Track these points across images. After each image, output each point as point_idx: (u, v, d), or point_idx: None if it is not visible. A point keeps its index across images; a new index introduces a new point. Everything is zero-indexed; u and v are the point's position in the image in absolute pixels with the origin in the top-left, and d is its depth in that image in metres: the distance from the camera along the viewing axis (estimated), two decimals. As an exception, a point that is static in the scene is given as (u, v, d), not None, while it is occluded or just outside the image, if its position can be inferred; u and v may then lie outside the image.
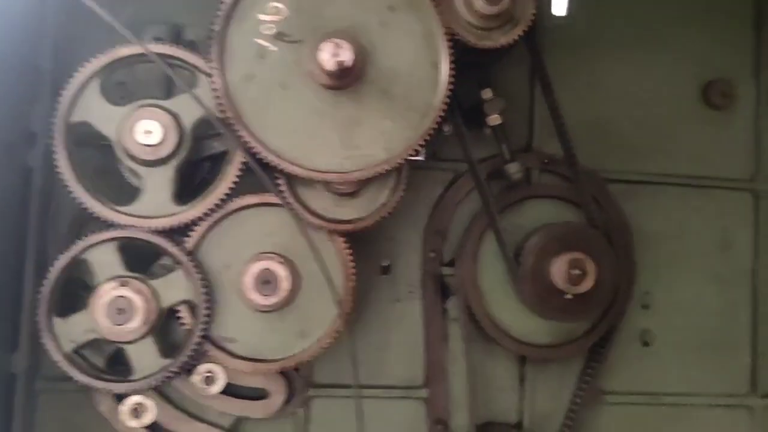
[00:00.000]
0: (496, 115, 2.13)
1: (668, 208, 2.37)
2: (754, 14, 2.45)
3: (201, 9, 2.02)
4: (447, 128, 2.15)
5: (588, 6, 2.35)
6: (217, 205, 1.88)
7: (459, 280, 2.20)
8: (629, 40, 2.37)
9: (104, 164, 1.96)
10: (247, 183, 1.91)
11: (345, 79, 1.79)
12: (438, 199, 2.27)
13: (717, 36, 2.42)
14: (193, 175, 2.04)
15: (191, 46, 2.08)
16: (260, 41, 1.81)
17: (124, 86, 2.10)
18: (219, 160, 1.97)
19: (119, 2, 2.12)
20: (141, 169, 1.85)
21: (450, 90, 1.86)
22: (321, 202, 1.94)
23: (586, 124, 2.32)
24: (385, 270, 2.26)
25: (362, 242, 2.10)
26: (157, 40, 2.02)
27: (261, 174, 1.75)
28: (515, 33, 1.94)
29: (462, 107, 2.18)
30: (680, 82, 2.40)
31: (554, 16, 2.33)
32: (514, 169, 2.16)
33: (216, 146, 1.98)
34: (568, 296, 2.00)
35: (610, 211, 2.27)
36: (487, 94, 2.13)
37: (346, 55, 1.75)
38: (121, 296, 1.81)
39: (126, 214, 1.85)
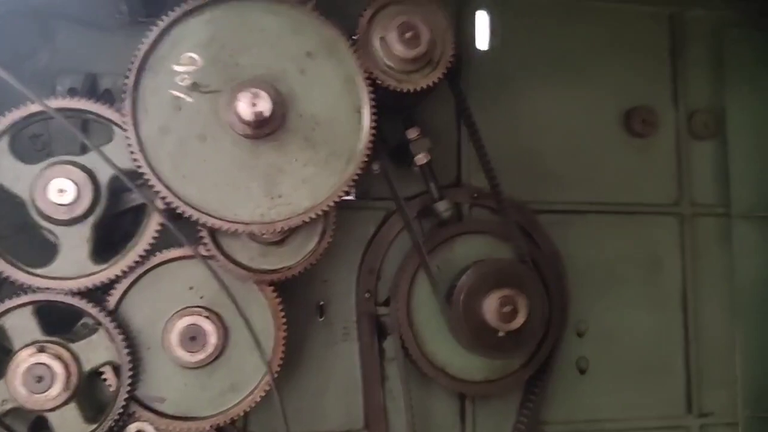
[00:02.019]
0: (423, 155, 2.13)
1: (597, 235, 2.41)
2: (670, 43, 2.51)
3: (117, 56, 1.98)
4: (376, 167, 2.15)
5: (510, 40, 2.38)
6: (137, 262, 1.83)
7: (394, 320, 2.18)
8: (551, 71, 2.40)
9: (23, 221, 1.88)
10: (170, 235, 1.86)
11: (264, 128, 1.77)
12: (370, 239, 2.25)
13: (636, 65, 2.47)
14: (115, 228, 1.98)
15: (107, 95, 2.04)
16: (175, 92, 1.77)
17: (39, 139, 2.04)
18: (141, 212, 1.92)
19: (34, 51, 2.09)
20: (56, 229, 1.78)
21: (373, 134, 1.85)
22: (247, 252, 1.90)
23: (514, 157, 2.34)
24: (321, 309, 2.22)
25: (295, 286, 2.07)
26: (72, 91, 1.97)
27: (175, 231, 1.70)
28: (435, 75, 1.95)
29: (389, 146, 2.18)
30: (602, 110, 2.44)
31: (478, 50, 2.35)
32: (443, 207, 2.16)
33: (137, 198, 1.92)
34: (501, 334, 1.99)
35: (541, 242, 2.29)
36: (412, 133, 2.13)
37: (264, 105, 1.72)
38: (40, 363, 1.73)
39: (42, 276, 1.78)
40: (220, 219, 1.76)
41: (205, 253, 1.86)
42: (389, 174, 2.12)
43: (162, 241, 1.88)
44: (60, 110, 1.77)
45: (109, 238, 1.94)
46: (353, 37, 1.91)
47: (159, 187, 1.73)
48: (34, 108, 1.76)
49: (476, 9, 2.36)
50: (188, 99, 1.76)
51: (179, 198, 1.74)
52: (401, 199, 2.12)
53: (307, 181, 1.82)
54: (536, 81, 2.39)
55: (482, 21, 2.37)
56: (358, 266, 2.24)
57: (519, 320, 2.00)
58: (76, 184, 1.75)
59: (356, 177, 1.84)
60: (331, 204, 1.83)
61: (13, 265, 1.77)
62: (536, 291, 2.08)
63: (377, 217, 2.27)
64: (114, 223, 1.96)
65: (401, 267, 2.19)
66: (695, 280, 2.47)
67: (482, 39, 2.36)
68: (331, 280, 2.23)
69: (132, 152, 1.72)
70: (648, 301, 2.44)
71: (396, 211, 2.21)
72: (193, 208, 1.75)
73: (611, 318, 2.41)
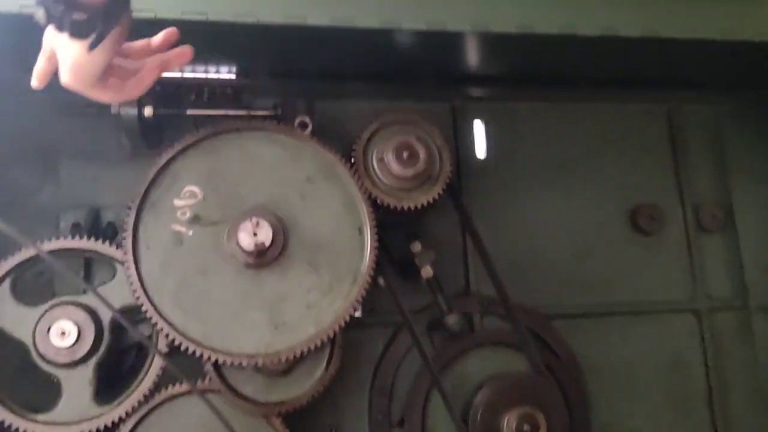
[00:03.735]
0: (428, 267, 2.10)
1: (613, 338, 2.33)
2: (670, 138, 2.50)
3: (120, 189, 2.02)
4: (381, 281, 2.11)
5: (509, 146, 2.40)
6: (141, 402, 1.78)
7: (410, 442, 2.09)
8: (552, 174, 2.39)
9: (24, 363, 1.84)
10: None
11: (266, 257, 1.75)
12: (380, 357, 2.18)
13: (637, 162, 2.47)
14: (120, 363, 1.95)
15: (110, 228, 2.05)
16: (177, 227, 1.77)
17: (42, 276, 2.03)
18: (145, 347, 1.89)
19: (37, 187, 2.12)
20: (58, 372, 1.74)
21: (376, 254, 1.83)
22: (252, 385, 1.85)
23: (522, 263, 2.30)
24: (334, 432, 2.14)
25: (305, 412, 1.99)
26: (75, 227, 1.98)
27: (175, 371, 1.66)
28: (435, 191, 1.95)
29: (394, 261, 2.16)
30: (607, 210, 2.41)
31: (477, 159, 2.37)
32: (452, 320, 2.11)
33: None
34: (522, 454, 1.91)
35: (557, 349, 2.23)
36: (416, 247, 2.10)
37: (266, 234, 1.72)
38: None
39: (44, 422, 1.73)
40: (224, 353, 1.72)
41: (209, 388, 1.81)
42: (395, 290, 2.08)
43: (169, 376, 1.84)
44: (60, 251, 1.76)
45: (114, 373, 1.91)
46: (351, 160, 1.93)
47: (161, 324, 1.70)
48: (34, 251, 1.76)
49: (473, 118, 2.39)
50: (189, 233, 1.76)
51: (182, 334, 1.71)
52: (408, 316, 2.07)
53: (312, 307, 1.78)
54: (538, 185, 2.38)
55: (480, 130, 2.39)
56: (369, 387, 2.17)
57: (540, 438, 1.92)
58: (77, 325, 1.73)
59: (361, 298, 1.81)
60: (337, 328, 1.79)
61: (14, 412, 1.72)
62: (556, 404, 2.00)
63: (386, 334, 2.20)
64: (119, 358, 1.93)
65: (414, 386, 2.12)
66: (719, 378, 2.37)
67: (481, 147, 2.38)
68: (341, 404, 2.15)
69: (134, 290, 1.71)
70: (672, 403, 2.34)
71: (404, 325, 2.16)
72: (195, 343, 1.71)
73: (636, 423, 2.30)
